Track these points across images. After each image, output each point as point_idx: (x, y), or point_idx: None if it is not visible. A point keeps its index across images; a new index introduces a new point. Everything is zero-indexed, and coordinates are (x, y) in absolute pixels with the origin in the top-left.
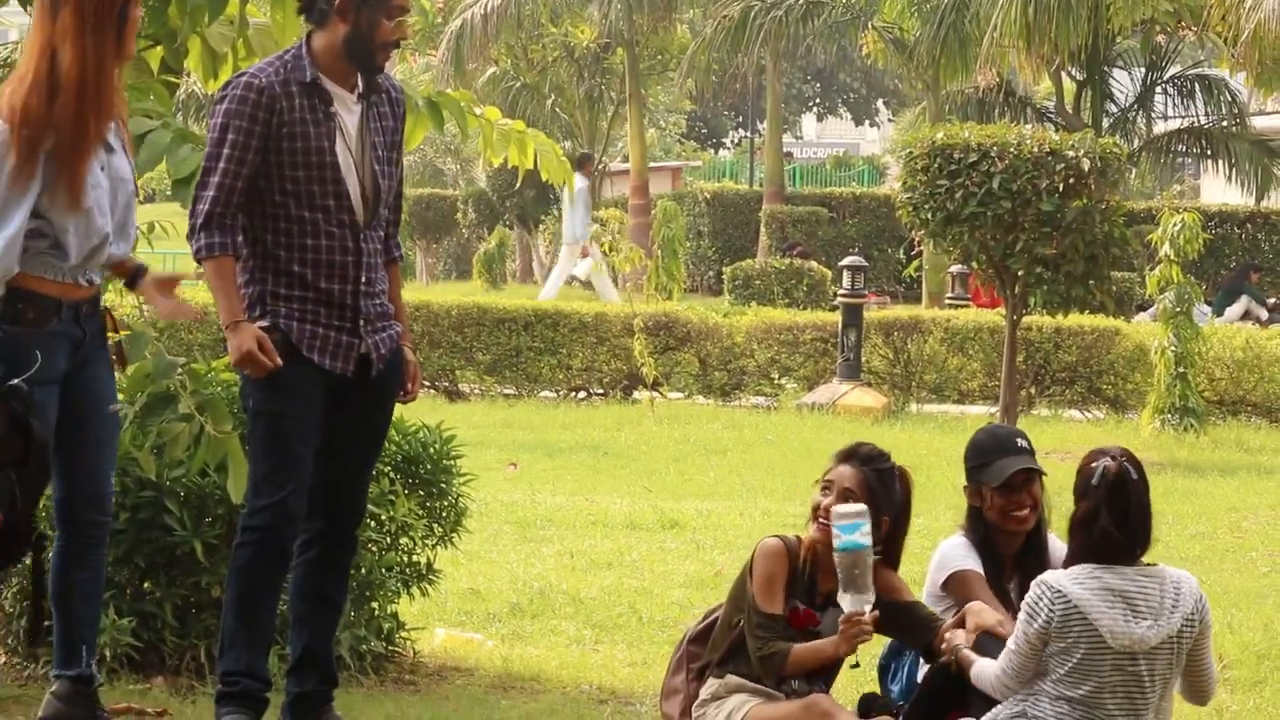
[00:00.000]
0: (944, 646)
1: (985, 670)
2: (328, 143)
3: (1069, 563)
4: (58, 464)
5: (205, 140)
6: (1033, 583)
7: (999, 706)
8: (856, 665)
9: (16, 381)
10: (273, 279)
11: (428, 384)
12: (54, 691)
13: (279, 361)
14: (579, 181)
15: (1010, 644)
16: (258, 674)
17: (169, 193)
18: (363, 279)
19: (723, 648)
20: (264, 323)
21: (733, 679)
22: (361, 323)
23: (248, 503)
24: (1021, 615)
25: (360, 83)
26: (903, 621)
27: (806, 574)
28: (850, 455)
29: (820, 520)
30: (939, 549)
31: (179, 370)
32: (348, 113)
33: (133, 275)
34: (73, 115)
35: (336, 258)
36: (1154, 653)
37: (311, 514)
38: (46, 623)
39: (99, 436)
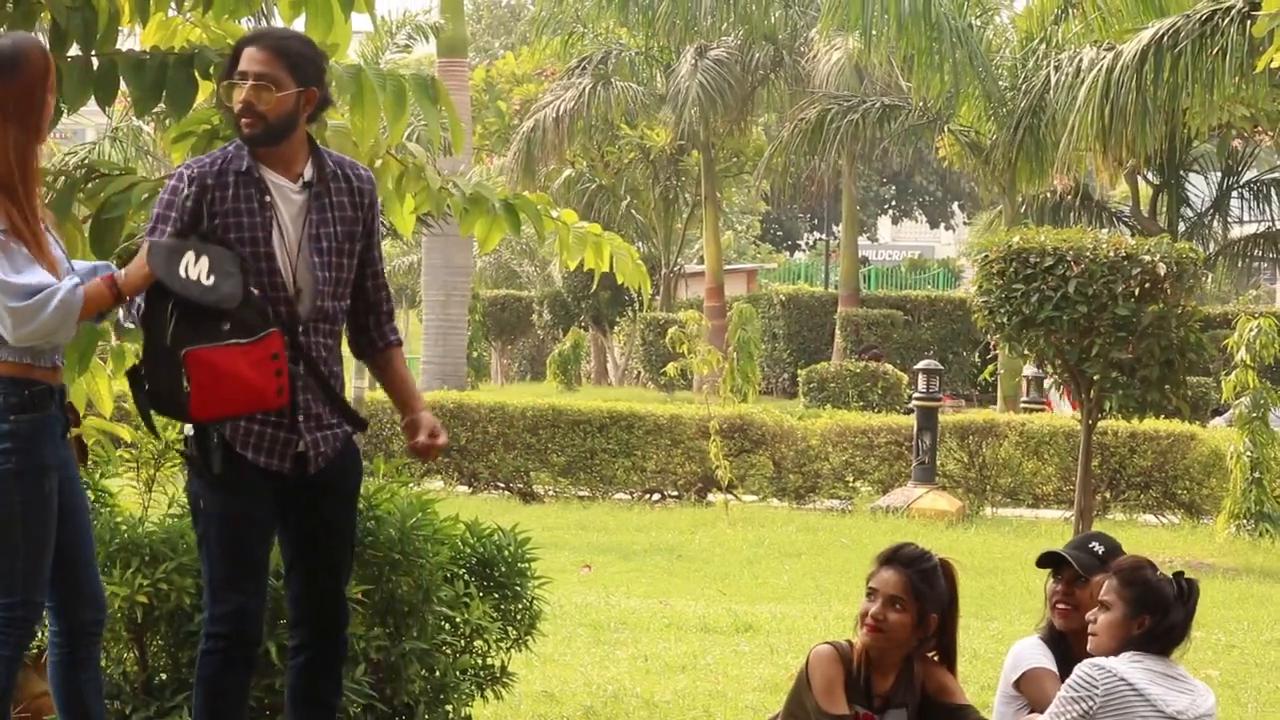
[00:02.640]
0: None
1: None
2: (262, 233)
3: (1115, 653)
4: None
5: None
6: (1080, 665)
7: None
8: None
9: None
10: None
11: (502, 485)
12: None
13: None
14: None
15: (1046, 718)
16: None
17: None
18: (299, 374)
19: None
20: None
21: None
22: (300, 418)
23: (206, 608)
24: (1064, 693)
25: (308, 170)
26: None
27: (862, 677)
28: (891, 559)
29: (868, 627)
30: (1013, 649)
31: None
32: (286, 202)
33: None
34: (17, 202)
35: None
36: None
37: (297, 623)
38: None
39: (84, 534)
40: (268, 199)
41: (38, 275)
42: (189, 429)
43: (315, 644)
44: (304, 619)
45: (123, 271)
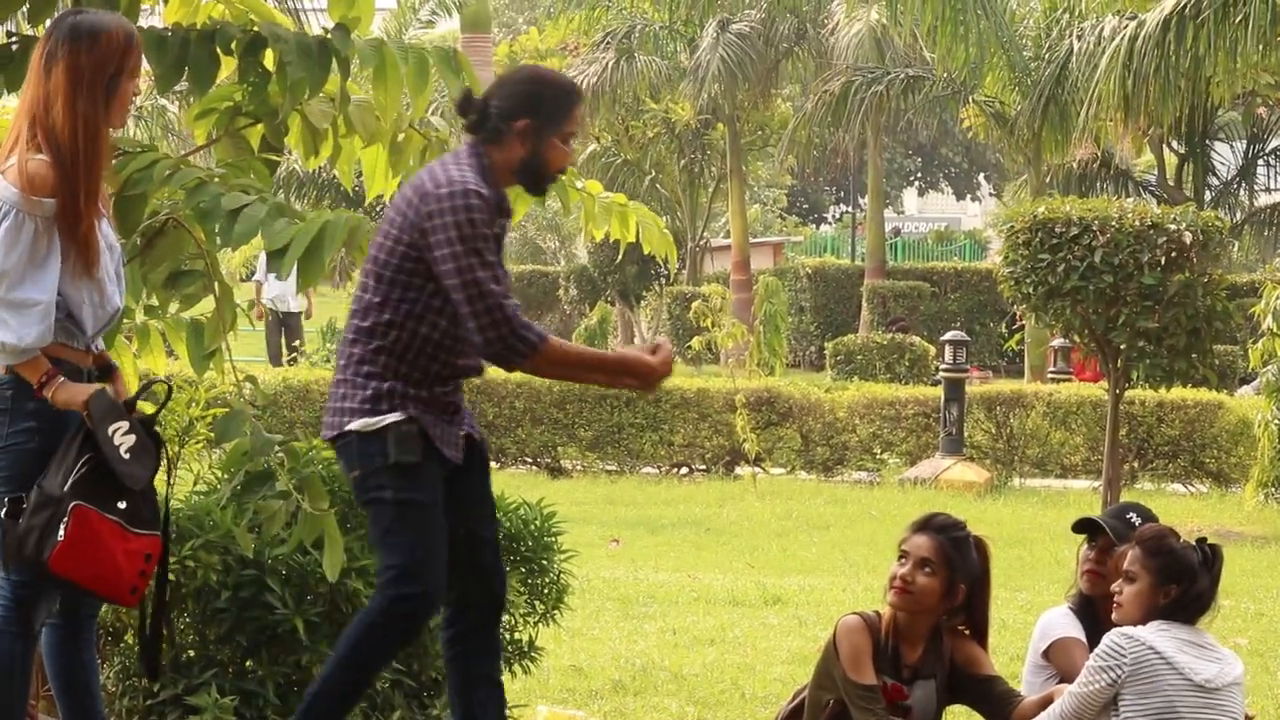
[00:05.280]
0: None
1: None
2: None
3: (1141, 623)
4: None
5: (297, 214)
6: (1108, 634)
7: None
8: None
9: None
10: (406, 376)
11: (530, 460)
12: None
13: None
14: None
15: (1074, 688)
16: None
17: None
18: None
19: None
20: (397, 415)
21: None
22: (455, 414)
23: (389, 588)
24: (1092, 662)
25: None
26: (981, 696)
27: (890, 647)
28: (925, 525)
29: (896, 588)
30: (1041, 619)
31: (276, 448)
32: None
33: (105, 368)
34: (73, 179)
35: (459, 362)
36: (1230, 690)
37: (464, 602)
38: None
39: None
40: (506, 224)
41: (41, 287)
42: (373, 422)
43: (486, 621)
44: (470, 600)
45: (63, 380)
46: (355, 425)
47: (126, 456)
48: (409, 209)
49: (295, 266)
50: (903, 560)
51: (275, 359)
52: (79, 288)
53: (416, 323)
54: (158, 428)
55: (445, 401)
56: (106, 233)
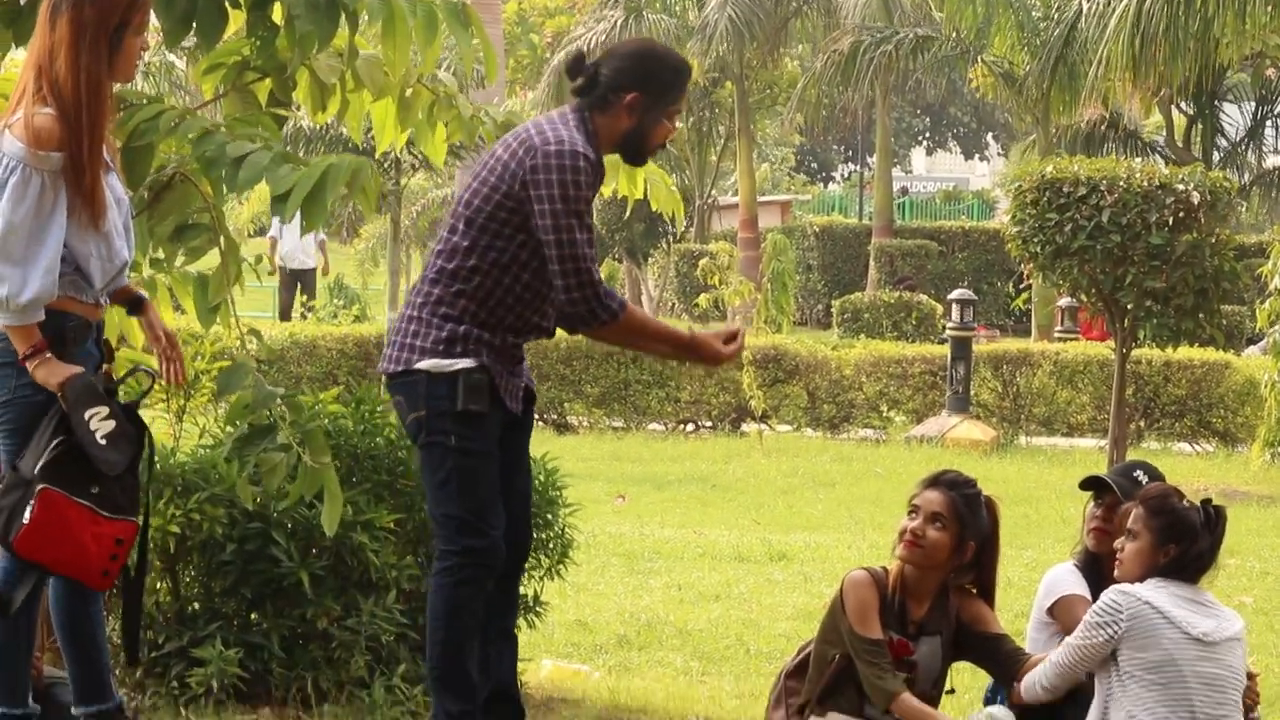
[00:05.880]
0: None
1: (1033, 675)
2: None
3: (1141, 581)
4: None
5: (302, 161)
6: (1106, 591)
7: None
8: (952, 691)
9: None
10: (483, 323)
11: (537, 416)
12: None
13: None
14: None
15: (1071, 639)
16: (475, 713)
17: None
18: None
19: (820, 685)
20: (470, 362)
21: (835, 717)
22: (519, 365)
23: (453, 541)
24: (1090, 617)
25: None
26: (987, 653)
27: (897, 602)
28: (936, 481)
29: (906, 541)
30: (1046, 576)
31: (278, 401)
32: None
33: (134, 301)
34: (77, 132)
35: (534, 319)
36: (1229, 645)
37: None
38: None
39: None
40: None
41: (45, 242)
42: (445, 365)
43: (510, 575)
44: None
45: (49, 357)
46: (425, 365)
47: (103, 442)
48: (511, 160)
49: (299, 212)
50: (913, 515)
51: (284, 315)
52: (86, 241)
53: (501, 272)
54: (143, 411)
55: (513, 354)
56: (114, 186)
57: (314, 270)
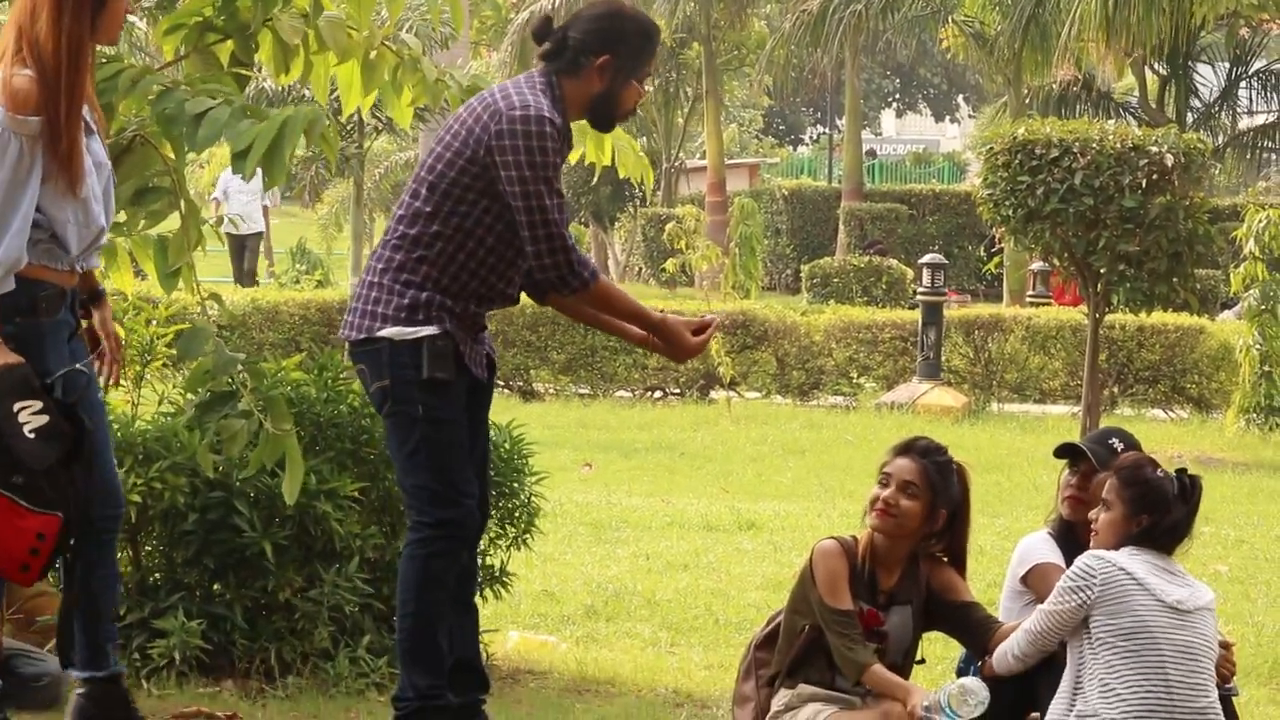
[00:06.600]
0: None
1: (1005, 644)
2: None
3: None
4: None
5: (262, 113)
6: (1080, 556)
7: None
8: (922, 661)
9: (77, 366)
10: (446, 289)
11: (502, 384)
12: (83, 693)
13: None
14: None
15: (1045, 606)
16: (445, 687)
17: None
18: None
19: (790, 656)
20: (433, 329)
21: (805, 688)
22: (482, 331)
23: (427, 513)
24: (1063, 582)
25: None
26: (958, 622)
27: (866, 572)
28: (908, 448)
29: (878, 510)
30: (1020, 544)
31: (239, 367)
32: None
33: (93, 294)
34: (55, 95)
35: (500, 285)
36: (1201, 614)
37: None
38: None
39: (99, 427)
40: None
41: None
42: (409, 332)
43: (470, 543)
44: None
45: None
46: (388, 332)
47: (31, 435)
48: (476, 124)
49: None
50: (885, 483)
51: (245, 279)
52: (63, 207)
53: (465, 238)
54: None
55: (475, 321)
56: (95, 150)
57: (259, 235)
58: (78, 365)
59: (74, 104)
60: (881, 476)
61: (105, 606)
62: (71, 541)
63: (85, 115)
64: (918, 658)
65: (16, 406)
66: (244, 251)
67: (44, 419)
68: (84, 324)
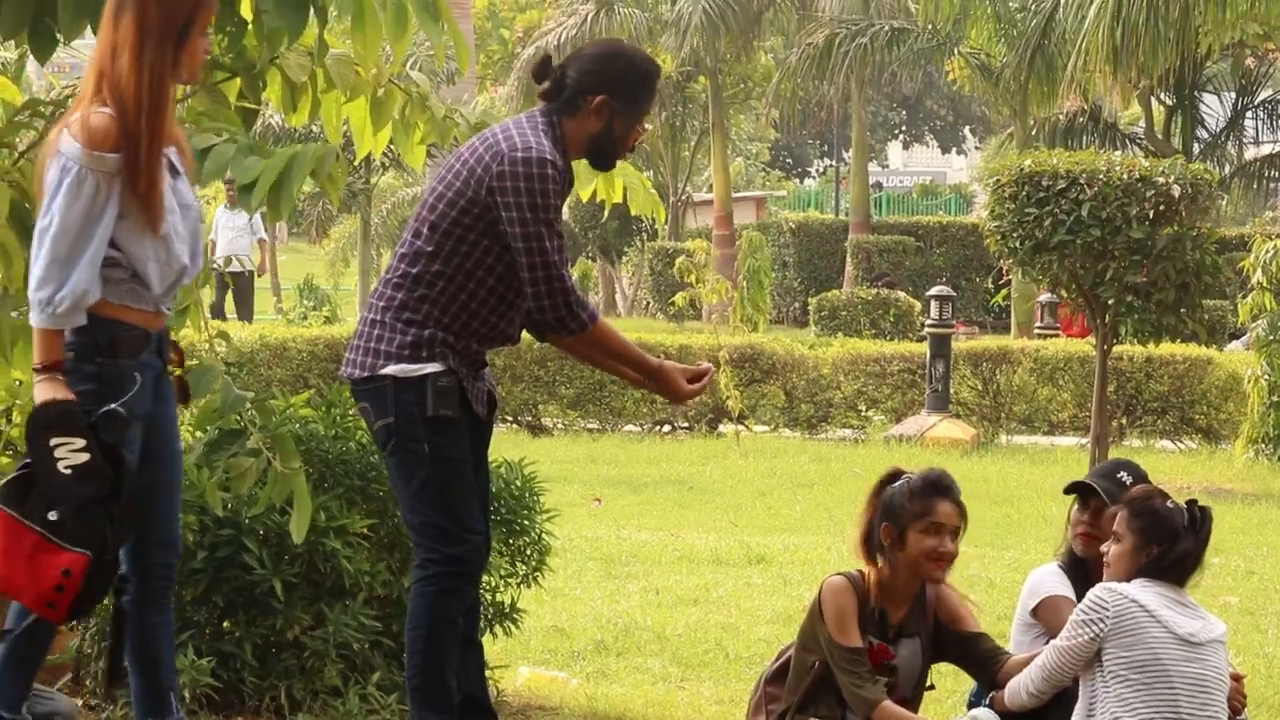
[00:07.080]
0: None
1: (1017, 681)
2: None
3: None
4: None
5: (268, 151)
6: (1092, 589)
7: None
8: (932, 687)
9: (113, 407)
10: (448, 327)
11: (510, 419)
12: None
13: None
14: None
15: (1058, 641)
16: None
17: None
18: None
19: (800, 692)
20: (437, 366)
21: None
22: (483, 369)
23: (434, 549)
24: (1075, 617)
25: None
26: (966, 653)
27: (876, 609)
28: (945, 490)
29: (942, 565)
30: (1030, 577)
31: (247, 405)
32: None
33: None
34: (135, 133)
35: (501, 325)
36: (1213, 646)
37: None
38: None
39: (171, 477)
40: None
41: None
42: (412, 369)
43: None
44: None
45: (58, 378)
46: (392, 369)
47: (67, 472)
48: (478, 165)
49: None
50: (937, 532)
51: (220, 314)
52: (142, 244)
53: (466, 278)
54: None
55: (477, 359)
56: (182, 191)
57: (250, 275)
58: (168, 413)
59: (154, 142)
60: (927, 525)
61: (162, 653)
62: (103, 583)
63: (171, 155)
64: (927, 684)
65: (54, 442)
66: (225, 290)
67: (83, 457)
68: (175, 371)
